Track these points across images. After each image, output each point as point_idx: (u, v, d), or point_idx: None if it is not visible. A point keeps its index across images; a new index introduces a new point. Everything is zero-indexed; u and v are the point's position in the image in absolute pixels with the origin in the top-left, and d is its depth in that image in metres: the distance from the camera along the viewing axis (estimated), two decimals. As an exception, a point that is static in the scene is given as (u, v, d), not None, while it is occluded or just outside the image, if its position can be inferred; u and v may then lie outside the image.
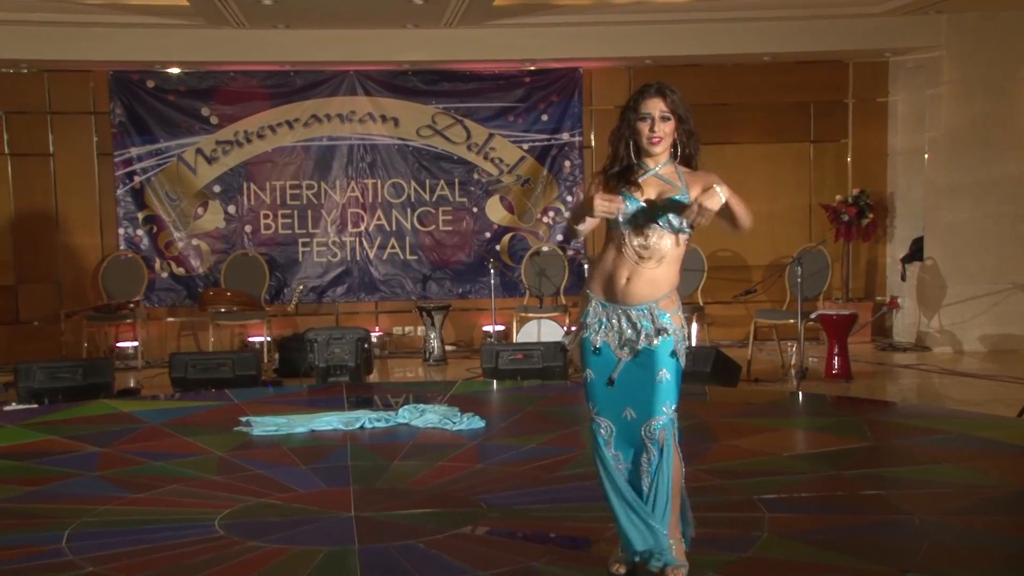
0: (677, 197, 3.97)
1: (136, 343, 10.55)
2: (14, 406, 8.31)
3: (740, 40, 10.39)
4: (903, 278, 11.17)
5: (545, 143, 11.23)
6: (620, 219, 4.00)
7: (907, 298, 11.06)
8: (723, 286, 10.76)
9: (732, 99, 11.30)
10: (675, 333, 4.06)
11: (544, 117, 11.19)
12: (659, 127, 4.02)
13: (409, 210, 11.20)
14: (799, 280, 9.07)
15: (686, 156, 4.08)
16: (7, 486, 5.84)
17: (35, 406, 8.25)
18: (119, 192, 10.77)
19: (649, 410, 4.05)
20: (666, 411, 4.05)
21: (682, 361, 4.11)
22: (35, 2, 9.23)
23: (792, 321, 9.34)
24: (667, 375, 4.05)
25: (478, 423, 7.11)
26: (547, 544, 4.91)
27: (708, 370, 8.62)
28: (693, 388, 8.35)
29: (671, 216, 3.97)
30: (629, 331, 4.07)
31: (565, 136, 11.23)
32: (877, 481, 5.74)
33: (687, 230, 4.00)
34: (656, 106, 4.03)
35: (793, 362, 9.30)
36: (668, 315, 4.05)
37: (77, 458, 6.42)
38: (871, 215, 11.01)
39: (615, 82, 11.19)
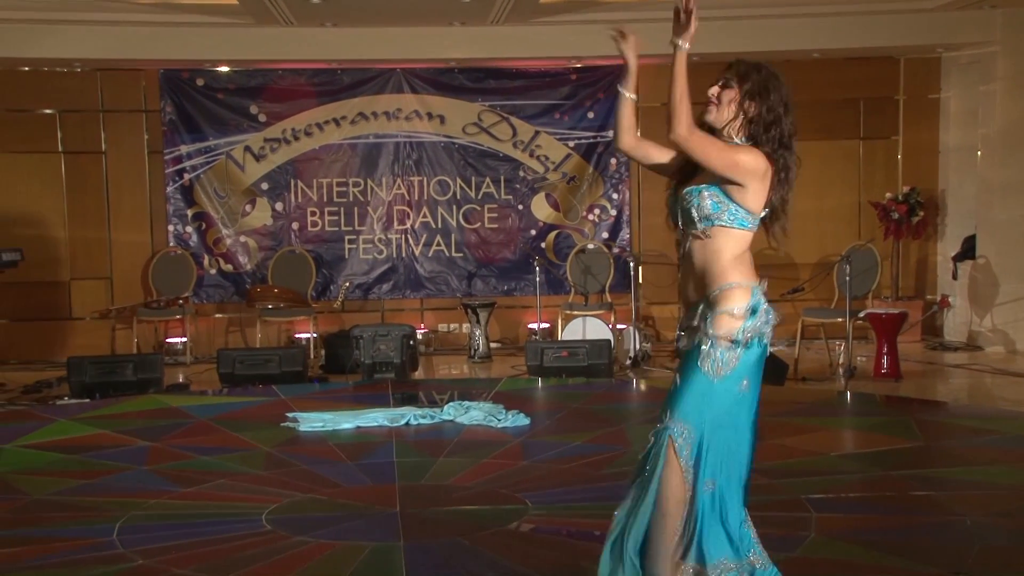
0: (693, 188, 3.54)
1: (185, 339, 10.65)
2: (67, 400, 8.45)
3: (790, 36, 10.29)
4: (955, 276, 11.02)
5: (591, 140, 11.20)
6: None
7: (958, 297, 10.92)
8: (770, 285, 10.64)
9: (780, 96, 11.20)
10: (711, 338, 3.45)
11: (590, 114, 11.16)
12: (716, 90, 3.69)
13: (455, 207, 11.22)
14: (848, 278, 8.99)
15: (754, 139, 3.55)
16: (60, 479, 5.93)
17: (87, 400, 8.37)
18: (169, 189, 10.88)
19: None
20: (667, 419, 3.49)
21: (711, 373, 3.45)
22: (88, 2, 9.35)
23: (840, 320, 9.25)
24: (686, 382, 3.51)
25: (523, 420, 7.11)
26: (592, 542, 4.87)
27: (755, 369, 8.55)
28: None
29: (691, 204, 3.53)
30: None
31: (611, 133, 11.16)
32: (927, 482, 5.66)
33: (701, 223, 3.50)
34: (727, 72, 3.72)
35: (841, 361, 9.21)
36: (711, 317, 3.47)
37: (128, 452, 6.50)
38: (922, 213, 10.87)
39: (662, 79, 11.09)
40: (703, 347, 3.43)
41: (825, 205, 11.17)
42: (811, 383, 8.96)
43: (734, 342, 3.42)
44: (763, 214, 3.54)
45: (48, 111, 10.79)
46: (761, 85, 3.64)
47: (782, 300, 10.25)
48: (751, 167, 3.46)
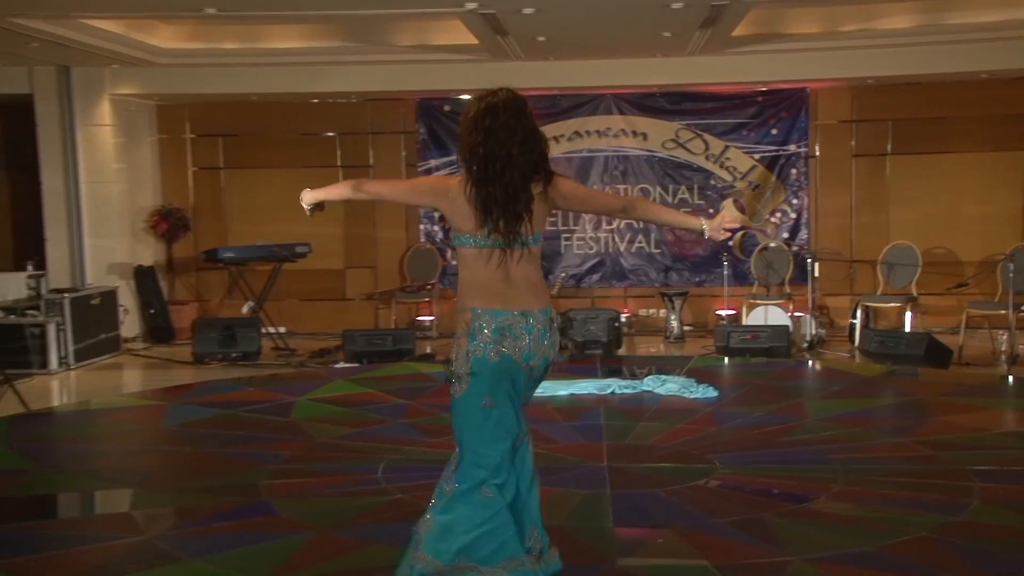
0: None
1: (432, 317, 10.92)
2: (342, 364, 8.83)
3: (959, 60, 9.65)
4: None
5: (774, 153, 10.85)
6: None
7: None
8: (936, 280, 10.07)
9: (949, 112, 10.53)
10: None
11: (774, 131, 10.81)
12: None
13: (655, 211, 11.08)
14: (1011, 275, 8.44)
15: None
16: (337, 427, 6.20)
17: (356, 365, 8.71)
18: (421, 196, 11.17)
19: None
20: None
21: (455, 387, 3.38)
22: (362, 47, 9.73)
23: (1003, 312, 8.65)
24: None
25: (712, 392, 6.99)
26: (771, 498, 4.78)
27: (921, 353, 8.13)
28: (906, 369, 7.91)
29: None
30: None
31: (792, 147, 10.82)
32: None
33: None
34: None
35: (1004, 348, 8.62)
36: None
37: (388, 407, 6.73)
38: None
39: (839, 99, 10.70)
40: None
41: (989, 209, 10.47)
42: (974, 368, 8.42)
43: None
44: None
45: (330, 134, 11.29)
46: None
47: (948, 293, 9.71)
48: None
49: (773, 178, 10.88)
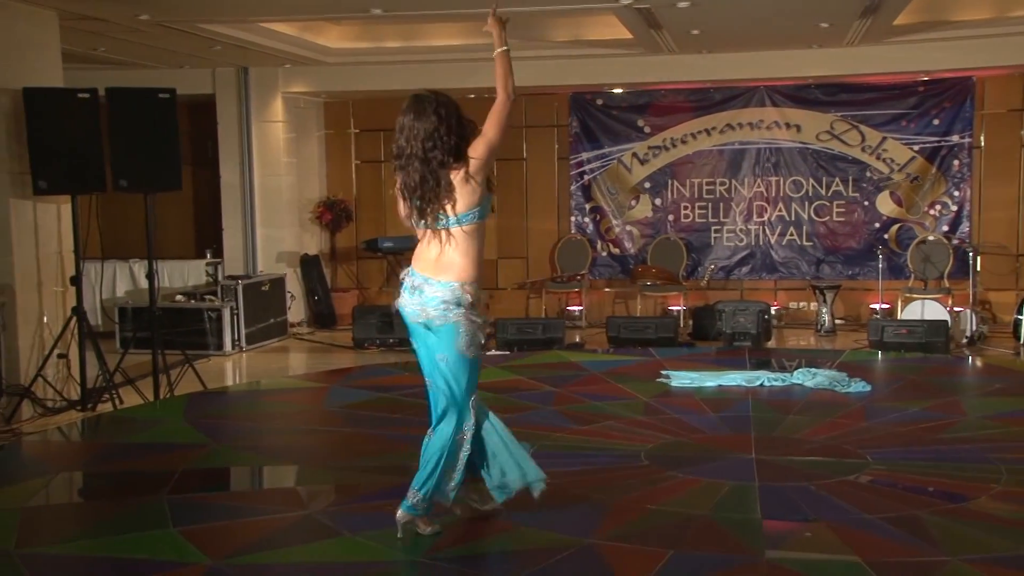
0: None
1: (581, 307, 10.93)
2: (493, 352, 8.93)
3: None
4: None
5: (935, 144, 10.32)
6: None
7: None
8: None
9: None
10: None
11: (936, 121, 10.27)
12: None
13: (807, 203, 10.75)
14: None
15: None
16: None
17: (507, 352, 8.80)
18: (572, 188, 11.21)
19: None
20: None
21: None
22: (519, 43, 9.76)
23: None
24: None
25: (864, 387, 6.72)
26: (926, 496, 4.57)
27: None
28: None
29: None
30: None
31: (955, 138, 10.26)
32: None
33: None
34: None
35: None
36: None
37: (538, 395, 6.75)
38: None
39: (1009, 88, 10.06)
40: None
41: None
42: None
43: None
44: None
45: (484, 128, 11.42)
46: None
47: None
48: None
49: (933, 170, 10.35)
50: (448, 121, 3.78)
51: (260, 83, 10.61)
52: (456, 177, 3.77)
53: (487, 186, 3.86)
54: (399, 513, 3.96)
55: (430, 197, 3.77)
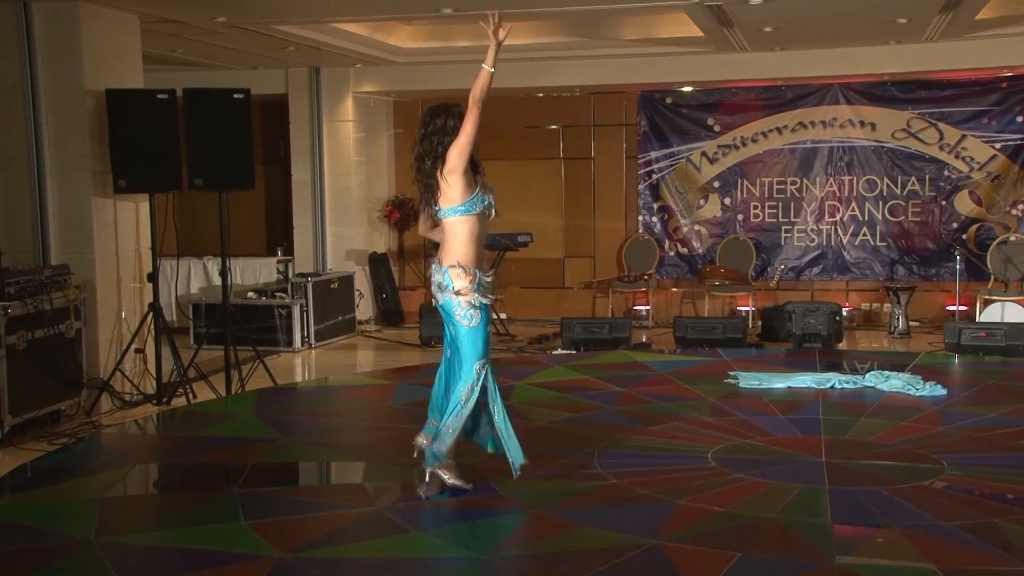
0: None
1: (648, 307, 10.86)
2: (559, 351, 8.92)
3: None
4: None
5: (1019, 142, 10.01)
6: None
7: None
8: None
9: None
10: None
11: (1019, 119, 9.96)
12: None
13: (880, 203, 10.52)
14: None
15: None
16: (554, 411, 6.25)
17: (574, 352, 8.78)
18: (640, 187, 11.13)
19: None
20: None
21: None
22: (587, 41, 9.76)
23: None
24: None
25: (940, 391, 6.56)
26: (1006, 504, 4.43)
27: None
28: None
29: None
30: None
31: (985, 134, 9.98)
32: None
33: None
34: None
35: None
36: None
37: (604, 395, 6.72)
38: None
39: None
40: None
41: None
42: None
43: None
44: None
45: (553, 127, 11.42)
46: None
47: None
48: None
49: (1015, 168, 10.05)
50: (431, 129, 4.48)
51: (331, 83, 10.76)
52: (439, 177, 4.44)
53: (472, 185, 4.42)
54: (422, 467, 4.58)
55: (427, 196, 4.53)
